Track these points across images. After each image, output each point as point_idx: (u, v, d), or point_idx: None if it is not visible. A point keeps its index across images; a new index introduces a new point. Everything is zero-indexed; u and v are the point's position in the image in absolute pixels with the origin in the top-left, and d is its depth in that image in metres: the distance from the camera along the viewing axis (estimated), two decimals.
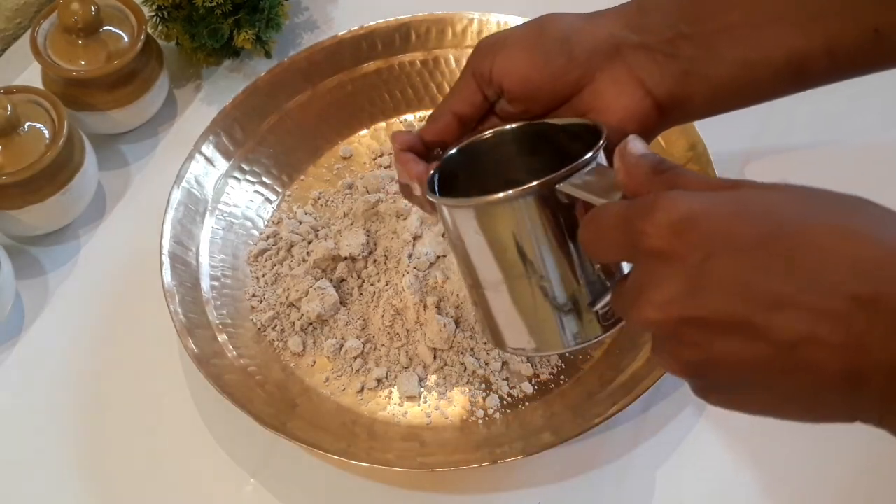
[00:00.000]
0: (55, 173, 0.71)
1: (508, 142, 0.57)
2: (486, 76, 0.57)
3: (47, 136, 0.71)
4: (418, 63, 0.80)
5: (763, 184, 0.42)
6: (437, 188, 0.54)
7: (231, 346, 0.68)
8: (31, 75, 0.80)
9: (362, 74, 0.80)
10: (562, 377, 0.67)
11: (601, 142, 0.50)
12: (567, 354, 0.67)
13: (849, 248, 0.38)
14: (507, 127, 0.57)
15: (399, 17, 0.80)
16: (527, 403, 0.66)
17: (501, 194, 0.49)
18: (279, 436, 0.62)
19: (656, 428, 0.65)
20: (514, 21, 0.79)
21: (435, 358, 0.67)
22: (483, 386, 0.67)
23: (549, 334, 0.52)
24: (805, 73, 0.54)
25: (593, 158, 0.49)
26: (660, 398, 0.66)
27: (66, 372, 0.70)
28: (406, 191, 0.60)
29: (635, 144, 0.45)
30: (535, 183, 0.49)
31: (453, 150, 0.57)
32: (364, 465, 0.61)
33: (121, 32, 0.77)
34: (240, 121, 0.77)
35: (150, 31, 0.79)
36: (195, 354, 0.65)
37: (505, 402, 0.66)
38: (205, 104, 0.83)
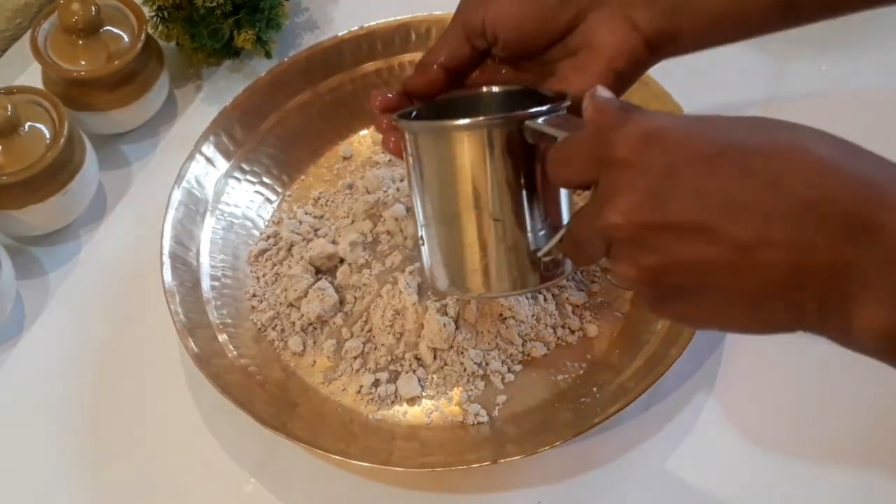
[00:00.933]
0: (55, 173, 0.71)
1: (485, 102, 0.59)
2: (479, 28, 0.58)
3: (48, 136, 0.71)
4: None
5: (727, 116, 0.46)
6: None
7: (231, 346, 0.68)
8: (32, 75, 0.80)
9: (362, 74, 0.80)
10: (561, 377, 0.67)
11: (567, 98, 0.54)
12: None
13: (798, 159, 0.42)
14: (485, 89, 0.59)
15: (399, 17, 0.80)
16: (526, 403, 0.66)
17: (470, 120, 0.52)
18: (279, 436, 0.62)
19: (656, 428, 0.65)
20: None
21: (435, 358, 0.67)
22: (483, 385, 0.67)
23: (492, 276, 0.55)
24: (795, 6, 0.56)
25: (561, 106, 0.53)
26: (660, 398, 0.66)
27: (67, 372, 0.70)
28: (388, 144, 0.61)
29: (603, 90, 0.49)
30: (504, 115, 0.52)
31: (432, 102, 0.59)
32: (364, 465, 0.61)
33: (121, 32, 0.78)
34: (240, 121, 0.77)
35: (150, 31, 0.79)
36: (195, 354, 0.65)
37: (505, 402, 0.66)
38: (205, 104, 0.83)
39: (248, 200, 0.76)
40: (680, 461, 0.64)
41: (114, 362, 0.71)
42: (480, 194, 0.53)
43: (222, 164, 0.76)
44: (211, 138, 0.75)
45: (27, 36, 0.79)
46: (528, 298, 0.68)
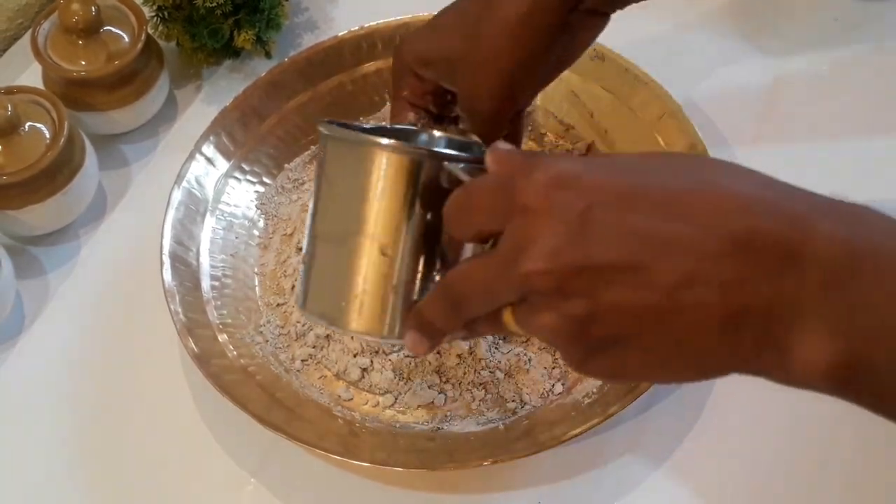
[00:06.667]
0: (55, 173, 0.71)
1: (425, 139, 0.58)
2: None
3: (48, 136, 0.71)
4: None
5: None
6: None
7: (231, 346, 0.68)
8: (32, 75, 0.80)
9: (362, 74, 0.80)
10: (562, 380, 0.67)
11: (483, 148, 0.51)
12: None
13: (720, 195, 0.41)
14: (437, 132, 0.58)
15: (399, 17, 0.80)
16: (527, 405, 0.66)
17: (391, 141, 0.50)
18: (279, 436, 0.62)
19: (656, 427, 0.65)
20: None
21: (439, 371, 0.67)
22: (484, 388, 0.67)
23: (365, 313, 0.51)
24: None
25: (482, 157, 0.48)
26: (660, 398, 0.66)
27: (66, 372, 0.70)
28: None
29: (503, 143, 0.47)
30: (425, 148, 0.52)
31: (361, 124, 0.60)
32: (364, 464, 0.61)
33: (121, 32, 0.78)
34: (240, 121, 0.77)
35: (150, 31, 0.79)
36: (195, 354, 0.65)
37: (505, 402, 0.66)
38: (205, 104, 0.83)
39: (249, 200, 0.76)
40: (680, 461, 0.64)
41: (113, 362, 0.71)
42: (378, 222, 0.50)
43: (222, 164, 0.76)
44: (211, 138, 0.75)
45: (27, 36, 0.79)
46: None
